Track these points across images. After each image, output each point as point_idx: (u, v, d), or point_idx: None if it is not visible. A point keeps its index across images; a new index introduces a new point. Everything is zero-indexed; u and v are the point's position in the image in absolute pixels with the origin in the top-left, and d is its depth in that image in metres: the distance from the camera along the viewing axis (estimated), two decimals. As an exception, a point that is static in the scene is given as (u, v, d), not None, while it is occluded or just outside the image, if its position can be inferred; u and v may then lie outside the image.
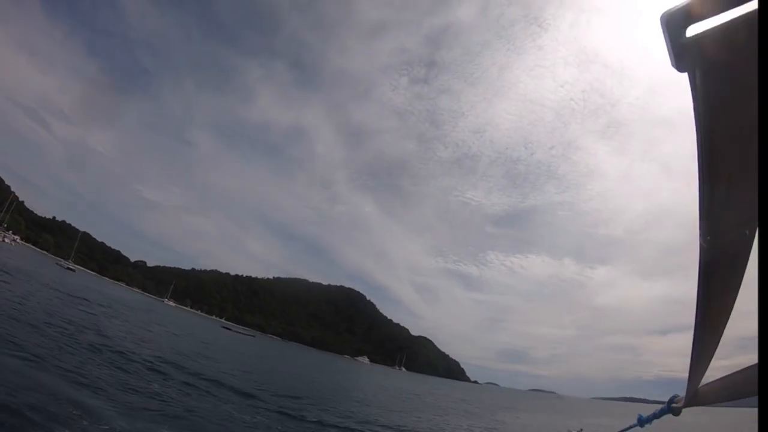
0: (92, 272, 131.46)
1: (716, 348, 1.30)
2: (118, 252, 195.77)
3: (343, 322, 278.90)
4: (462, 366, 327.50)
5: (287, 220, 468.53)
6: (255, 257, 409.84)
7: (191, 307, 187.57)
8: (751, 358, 1.08)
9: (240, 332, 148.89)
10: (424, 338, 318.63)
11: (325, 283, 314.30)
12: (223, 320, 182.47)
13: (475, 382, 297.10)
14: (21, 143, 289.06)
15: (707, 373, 1.48)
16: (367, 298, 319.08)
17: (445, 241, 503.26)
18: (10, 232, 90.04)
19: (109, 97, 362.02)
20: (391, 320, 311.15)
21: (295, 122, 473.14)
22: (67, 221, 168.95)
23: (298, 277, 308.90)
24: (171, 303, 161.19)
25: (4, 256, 40.67)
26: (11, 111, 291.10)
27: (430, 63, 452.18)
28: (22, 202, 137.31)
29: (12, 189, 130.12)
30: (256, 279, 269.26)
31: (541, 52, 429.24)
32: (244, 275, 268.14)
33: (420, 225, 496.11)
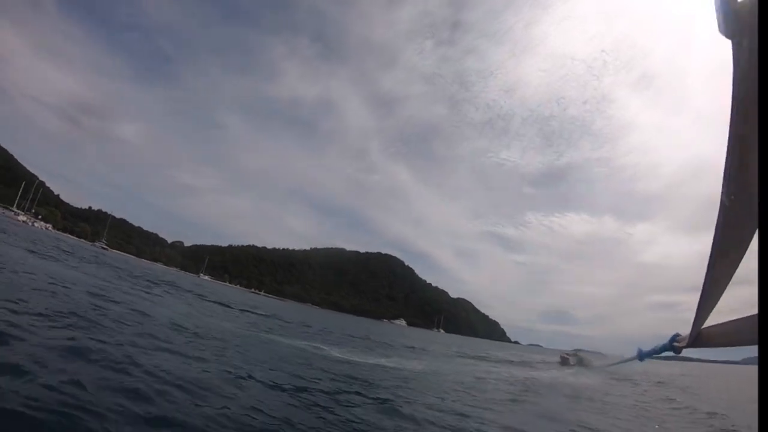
0: (129, 255, 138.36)
1: (722, 294, 1.34)
2: (156, 235, 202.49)
3: (383, 289, 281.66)
4: (502, 327, 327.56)
5: (323, 193, 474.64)
6: (292, 231, 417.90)
7: (229, 282, 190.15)
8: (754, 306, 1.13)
9: (268, 296, 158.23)
10: (464, 300, 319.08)
11: (362, 251, 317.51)
12: (254, 290, 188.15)
13: (516, 342, 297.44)
14: (53, 142, 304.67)
15: (711, 317, 1.53)
16: (406, 264, 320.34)
17: (482, 204, 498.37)
18: (40, 218, 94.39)
19: (134, 87, 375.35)
20: (430, 284, 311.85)
21: (323, 96, 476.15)
22: (104, 210, 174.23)
23: (335, 246, 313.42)
24: (206, 278, 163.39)
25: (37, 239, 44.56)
26: (41, 112, 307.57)
27: (454, 24, 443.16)
28: (58, 195, 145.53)
29: (47, 184, 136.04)
30: (293, 251, 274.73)
31: (568, 4, 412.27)
32: (281, 248, 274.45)
33: (456, 189, 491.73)
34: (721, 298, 1.34)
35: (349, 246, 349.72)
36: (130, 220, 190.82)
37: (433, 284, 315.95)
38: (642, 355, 2.53)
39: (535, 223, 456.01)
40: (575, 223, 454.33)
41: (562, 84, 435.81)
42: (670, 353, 2.13)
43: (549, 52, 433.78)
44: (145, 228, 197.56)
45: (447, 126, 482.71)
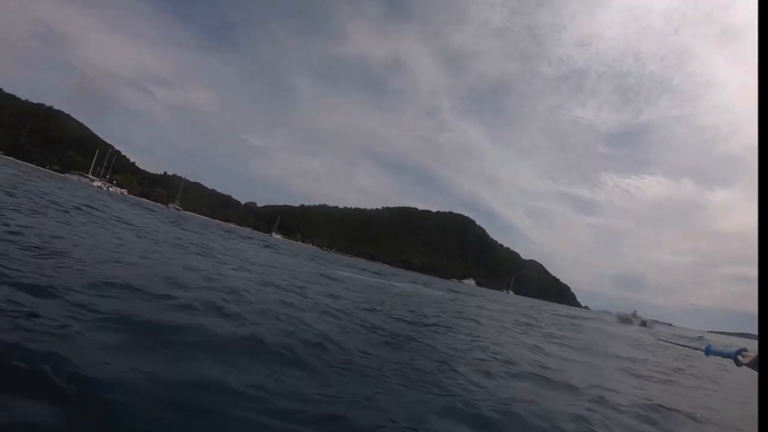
0: (203, 216, 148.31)
1: None
2: (229, 197, 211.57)
3: (454, 248, 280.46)
4: (573, 291, 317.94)
5: (395, 152, 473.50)
6: (364, 190, 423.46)
7: (301, 241, 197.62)
8: None
9: (339, 254, 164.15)
10: (535, 262, 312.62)
11: (434, 210, 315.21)
12: (326, 248, 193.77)
13: (586, 307, 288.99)
14: (130, 113, 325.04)
15: None
16: (478, 223, 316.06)
17: (555, 163, 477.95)
18: (114, 182, 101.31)
19: (204, 56, 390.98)
20: (501, 245, 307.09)
21: (392, 54, 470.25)
22: (178, 174, 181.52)
23: (407, 206, 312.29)
24: (278, 236, 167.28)
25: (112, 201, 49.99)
26: (117, 87, 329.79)
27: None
28: (134, 163, 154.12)
29: (123, 153, 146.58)
30: (364, 210, 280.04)
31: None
32: (353, 207, 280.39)
33: (529, 148, 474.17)
34: None
35: (421, 205, 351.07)
36: (204, 184, 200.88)
37: (504, 245, 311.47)
38: (709, 351, 2.55)
39: (610, 185, 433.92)
40: (652, 186, 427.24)
41: (639, 38, 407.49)
42: (731, 360, 2.18)
43: (624, 3, 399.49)
44: (218, 191, 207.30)
45: (519, 82, 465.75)
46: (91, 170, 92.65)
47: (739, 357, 2.00)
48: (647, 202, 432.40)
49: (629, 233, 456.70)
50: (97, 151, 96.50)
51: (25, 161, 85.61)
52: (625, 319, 38.23)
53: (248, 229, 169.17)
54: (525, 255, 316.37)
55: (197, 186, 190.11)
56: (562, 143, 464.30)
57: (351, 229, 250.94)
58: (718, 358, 2.46)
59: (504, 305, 31.10)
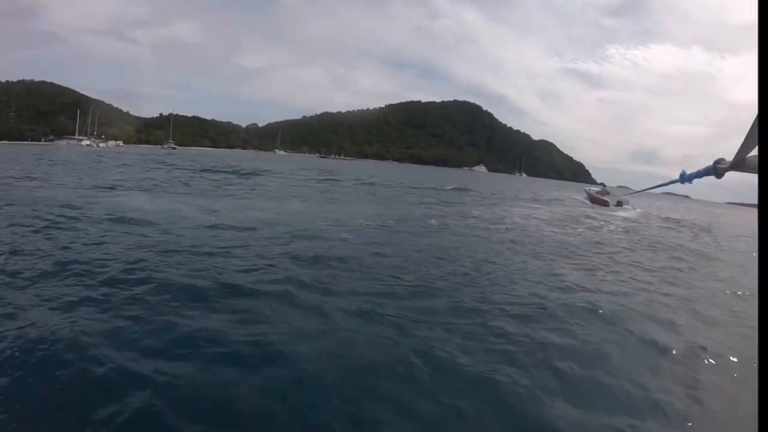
0: (205, 148, 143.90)
1: None
2: (229, 123, 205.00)
3: (463, 136, 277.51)
4: (587, 169, 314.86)
5: (392, 47, 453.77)
6: (366, 92, 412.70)
7: (309, 152, 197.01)
8: None
9: (339, 158, 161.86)
10: (546, 142, 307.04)
11: (439, 101, 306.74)
12: (334, 156, 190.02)
13: (602, 184, 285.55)
14: (116, 64, 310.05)
15: None
16: (485, 109, 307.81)
17: (558, 39, 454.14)
18: (103, 137, 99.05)
19: None
20: (510, 128, 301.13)
21: None
22: (175, 112, 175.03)
23: (411, 100, 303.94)
24: (282, 152, 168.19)
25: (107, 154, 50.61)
26: (94, 41, 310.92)
27: None
28: (127, 112, 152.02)
29: (115, 105, 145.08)
30: (368, 111, 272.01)
31: None
32: (356, 109, 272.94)
33: (529, 25, 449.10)
34: None
35: (425, 97, 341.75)
36: (204, 116, 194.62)
37: (514, 128, 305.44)
38: (684, 178, 2.37)
39: (617, 57, 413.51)
40: (660, 55, 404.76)
41: None
42: (712, 177, 2.03)
43: None
44: (218, 119, 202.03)
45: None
46: (77, 131, 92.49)
47: (718, 166, 1.91)
48: (656, 73, 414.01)
49: (641, 106, 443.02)
50: (78, 111, 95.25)
51: (20, 140, 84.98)
52: (596, 200, 33.98)
53: (253, 151, 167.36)
54: (536, 136, 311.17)
55: (195, 120, 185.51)
56: (563, 18, 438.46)
57: (357, 133, 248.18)
58: (696, 181, 2.36)
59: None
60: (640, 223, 23.93)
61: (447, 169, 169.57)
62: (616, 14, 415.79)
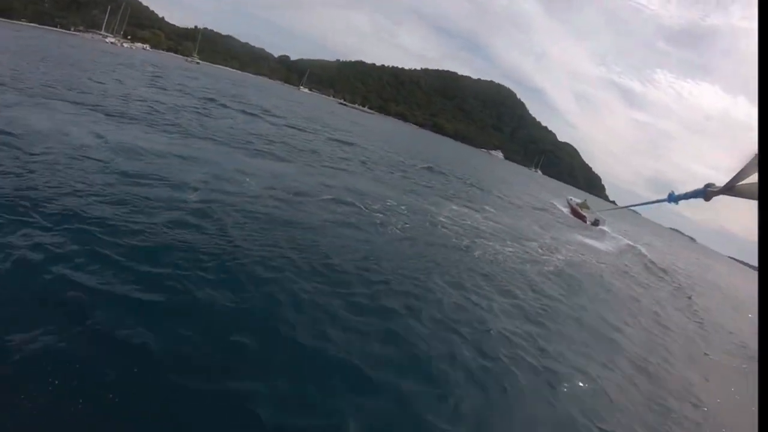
0: (231, 69, 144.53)
1: None
2: (262, 50, 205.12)
3: (490, 119, 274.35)
4: (603, 184, 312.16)
5: (443, 13, 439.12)
6: (405, 50, 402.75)
7: (333, 96, 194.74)
8: None
9: (356, 109, 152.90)
10: (570, 146, 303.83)
11: (475, 77, 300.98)
12: (359, 106, 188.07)
13: (614, 202, 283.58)
14: None
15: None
16: (518, 97, 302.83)
17: (610, 49, 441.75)
18: (129, 38, 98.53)
19: None
20: (539, 123, 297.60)
21: None
22: (211, 28, 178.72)
23: (448, 69, 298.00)
24: (305, 90, 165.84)
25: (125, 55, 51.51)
26: None
27: None
28: (162, 17, 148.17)
29: (151, 8, 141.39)
30: (403, 70, 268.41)
31: None
32: (391, 66, 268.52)
33: (585, 28, 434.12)
34: None
35: (462, 70, 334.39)
36: (237, 37, 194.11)
37: (543, 123, 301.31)
38: (672, 198, 2.40)
39: (663, 84, 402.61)
40: (707, 95, 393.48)
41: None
42: (701, 199, 2.03)
43: None
44: (251, 44, 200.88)
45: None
46: (104, 26, 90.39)
47: (708, 189, 1.90)
48: (698, 110, 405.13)
49: (673, 137, 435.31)
50: (109, 7, 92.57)
51: (50, 26, 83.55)
52: (575, 212, 32.05)
53: (279, 82, 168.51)
54: (561, 137, 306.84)
55: (229, 39, 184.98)
56: (621, 29, 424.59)
57: (387, 88, 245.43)
58: (683, 202, 2.39)
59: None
60: (600, 263, 18.18)
61: (463, 146, 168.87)
62: (676, 41, 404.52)
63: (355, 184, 14.51)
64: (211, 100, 26.50)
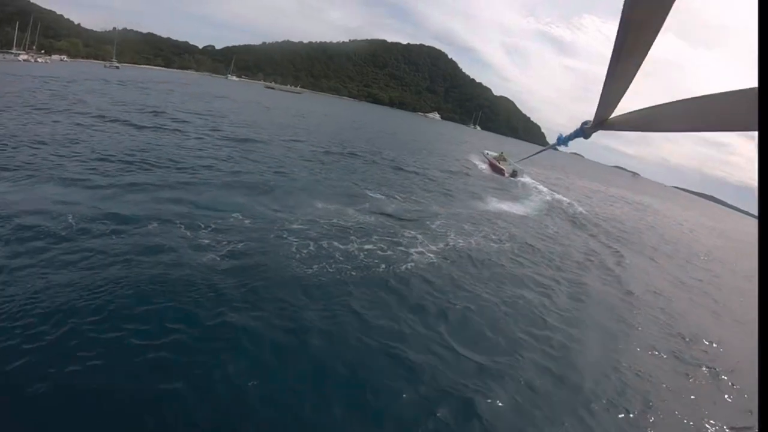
0: (156, 67, 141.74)
1: (629, 83, 1.29)
2: (186, 43, 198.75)
3: (424, 81, 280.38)
4: (543, 131, 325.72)
5: None
6: (332, 23, 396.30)
7: (264, 80, 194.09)
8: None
9: (284, 90, 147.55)
10: (506, 99, 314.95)
11: (404, 42, 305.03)
12: (288, 86, 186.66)
13: (555, 148, 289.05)
14: None
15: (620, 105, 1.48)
16: (450, 57, 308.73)
17: (538, 0, 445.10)
18: (43, 52, 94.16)
19: None
20: (473, 80, 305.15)
21: None
22: (129, 27, 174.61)
23: (376, 38, 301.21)
24: (234, 78, 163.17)
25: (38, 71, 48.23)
26: None
27: None
28: (79, 24, 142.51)
29: (66, 16, 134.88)
30: (330, 44, 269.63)
31: None
32: (318, 41, 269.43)
33: None
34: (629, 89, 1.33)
35: (392, 37, 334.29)
36: (159, 33, 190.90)
37: (477, 80, 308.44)
38: (560, 140, 2.35)
39: (591, 29, 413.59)
40: None
41: None
42: (581, 138, 2.04)
43: None
44: (174, 38, 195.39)
45: None
46: (14, 43, 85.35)
47: (585, 128, 1.87)
48: None
49: (603, 80, 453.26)
50: (17, 22, 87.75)
51: None
52: (494, 166, 31.10)
53: (208, 74, 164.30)
54: (497, 91, 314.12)
55: (150, 37, 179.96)
56: None
57: (317, 64, 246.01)
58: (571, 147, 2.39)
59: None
60: (520, 225, 16.95)
61: (400, 114, 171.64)
62: None
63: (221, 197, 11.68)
64: (101, 117, 21.14)
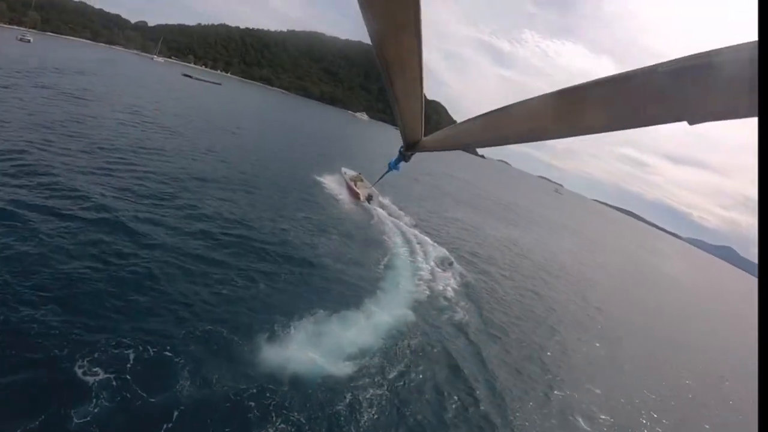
0: (81, 40, 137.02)
1: (420, 100, 1.34)
2: (117, 16, 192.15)
3: (357, 78, 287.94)
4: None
5: None
6: (273, 11, 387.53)
7: (194, 63, 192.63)
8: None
9: (204, 80, 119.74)
10: (438, 104, 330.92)
11: (343, 38, 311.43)
12: (221, 72, 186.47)
13: (482, 156, 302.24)
14: None
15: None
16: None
17: (480, 10, 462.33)
18: None
19: None
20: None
21: None
22: None
23: (315, 30, 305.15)
24: (160, 59, 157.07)
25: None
26: None
27: None
28: None
29: None
30: (268, 32, 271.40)
31: None
32: (255, 28, 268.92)
33: None
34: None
35: (331, 32, 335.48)
36: (90, 3, 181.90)
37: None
38: (392, 166, 2.51)
39: (530, 43, 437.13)
40: (571, 54, 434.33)
41: None
42: (403, 162, 2.25)
43: None
44: (106, 10, 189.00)
45: None
46: None
47: (403, 152, 2.02)
48: (563, 69, 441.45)
49: (539, 92, 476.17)
50: None
51: None
52: (350, 189, 27.97)
53: (135, 52, 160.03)
54: (430, 95, 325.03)
55: (81, 5, 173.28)
56: None
57: (251, 52, 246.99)
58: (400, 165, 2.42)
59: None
60: None
61: (328, 112, 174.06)
62: (543, 4, 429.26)
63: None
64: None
